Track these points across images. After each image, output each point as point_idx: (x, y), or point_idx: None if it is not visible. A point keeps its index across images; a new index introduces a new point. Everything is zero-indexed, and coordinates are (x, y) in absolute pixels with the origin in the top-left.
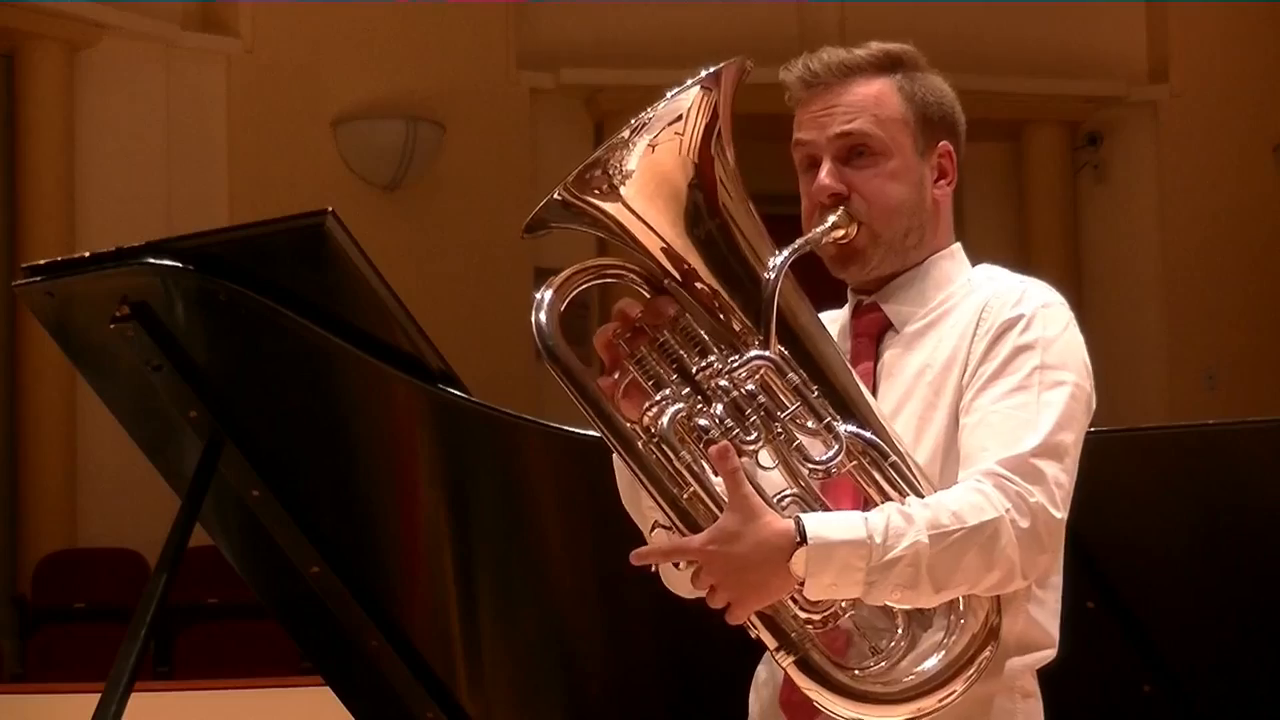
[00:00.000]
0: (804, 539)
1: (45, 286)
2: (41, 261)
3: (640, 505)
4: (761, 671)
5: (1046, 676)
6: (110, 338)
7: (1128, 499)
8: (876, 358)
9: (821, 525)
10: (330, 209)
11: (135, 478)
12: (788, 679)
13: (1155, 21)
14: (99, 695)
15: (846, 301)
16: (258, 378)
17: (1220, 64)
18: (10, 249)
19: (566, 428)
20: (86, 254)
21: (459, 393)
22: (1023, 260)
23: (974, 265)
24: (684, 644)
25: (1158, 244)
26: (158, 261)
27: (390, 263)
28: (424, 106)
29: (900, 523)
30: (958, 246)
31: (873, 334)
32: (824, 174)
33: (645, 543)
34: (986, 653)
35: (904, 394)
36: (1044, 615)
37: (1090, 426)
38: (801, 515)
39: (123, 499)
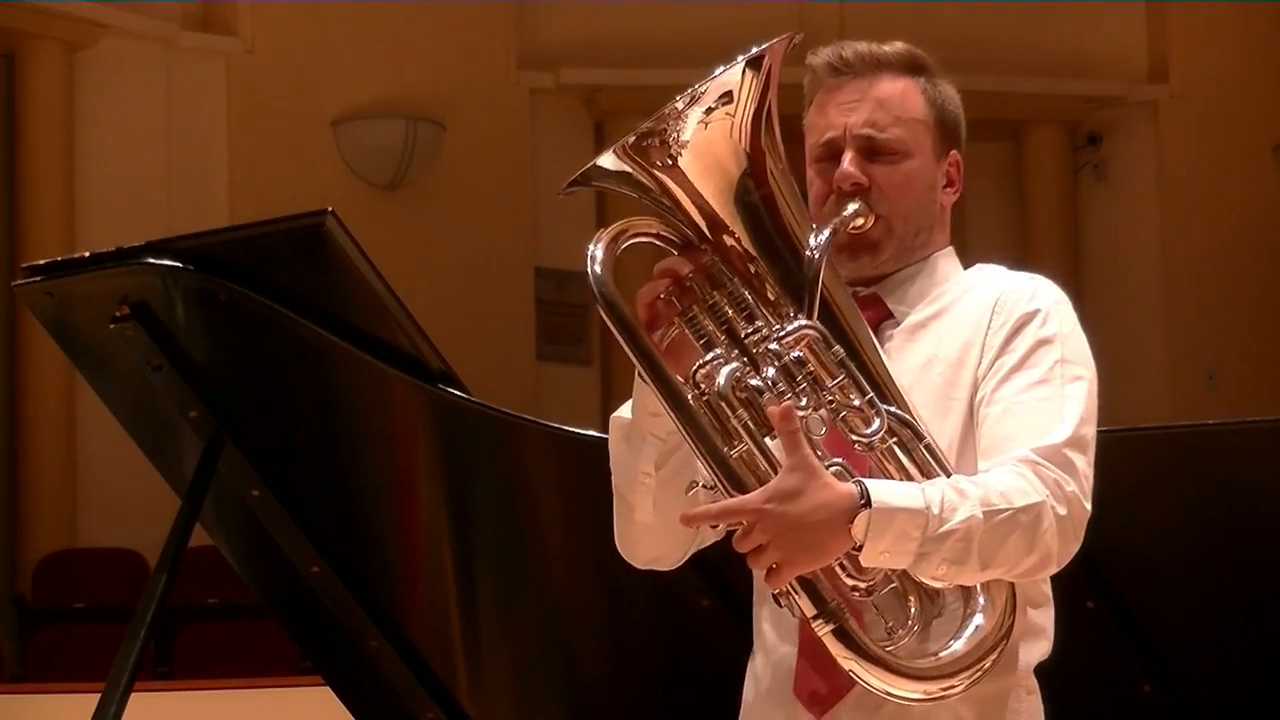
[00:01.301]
0: (869, 502)
1: (45, 286)
2: (41, 261)
3: (634, 466)
4: (758, 660)
5: (1047, 676)
6: (110, 338)
7: (1128, 499)
8: (880, 346)
9: (884, 490)
10: (330, 209)
11: (135, 478)
12: (802, 668)
13: (1155, 21)
14: (99, 695)
15: None
16: (258, 378)
17: (1220, 64)
18: (10, 249)
19: (566, 428)
20: (86, 254)
21: (459, 393)
22: (1023, 260)
23: (971, 265)
24: (684, 643)
25: (1158, 244)
26: (158, 261)
27: (390, 263)
28: (424, 106)
29: (954, 497)
30: (952, 249)
31: (873, 322)
32: (847, 162)
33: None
34: (1005, 643)
35: (913, 384)
36: (1043, 611)
37: None
38: (863, 480)
39: (123, 499)
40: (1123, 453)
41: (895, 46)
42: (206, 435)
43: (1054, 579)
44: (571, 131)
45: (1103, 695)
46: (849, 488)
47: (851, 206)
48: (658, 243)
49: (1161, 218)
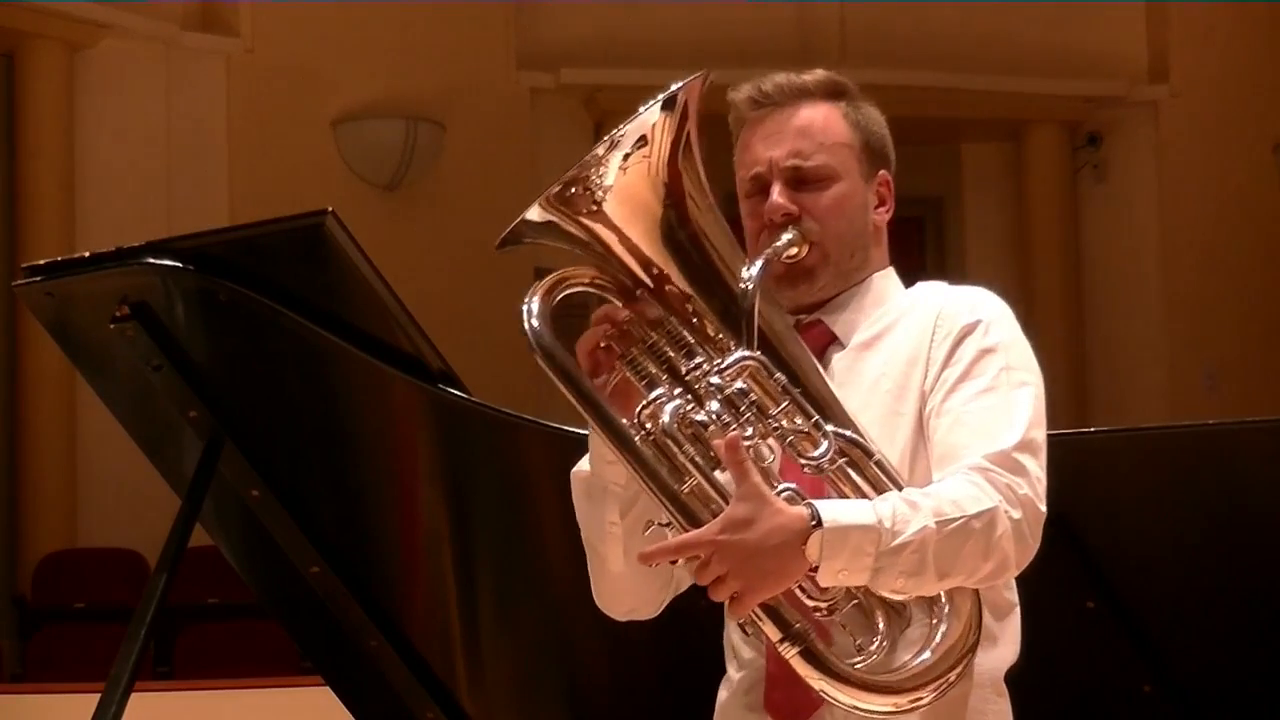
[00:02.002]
0: (819, 523)
1: (45, 286)
2: (41, 261)
3: (601, 518)
4: (730, 669)
5: (1047, 676)
6: (110, 338)
7: (1128, 499)
8: (824, 370)
9: (834, 510)
10: (330, 209)
11: (135, 478)
12: (771, 680)
13: (1155, 21)
14: (99, 695)
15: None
16: (258, 378)
17: (1220, 64)
18: (10, 249)
19: (566, 428)
20: (86, 254)
21: (459, 393)
22: (1023, 260)
23: (979, 267)
24: (684, 643)
25: (1158, 244)
26: (158, 261)
27: (390, 263)
28: (424, 106)
29: (906, 510)
30: (892, 269)
31: (818, 348)
32: (776, 194)
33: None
34: (972, 653)
35: (862, 403)
36: (1007, 620)
37: (1090, 427)
38: (813, 501)
39: (123, 499)
40: (1123, 453)
41: (814, 74)
42: (206, 435)
43: (1054, 579)
44: (571, 131)
45: (1103, 695)
46: (800, 510)
47: (785, 236)
48: (594, 290)
49: (1161, 218)
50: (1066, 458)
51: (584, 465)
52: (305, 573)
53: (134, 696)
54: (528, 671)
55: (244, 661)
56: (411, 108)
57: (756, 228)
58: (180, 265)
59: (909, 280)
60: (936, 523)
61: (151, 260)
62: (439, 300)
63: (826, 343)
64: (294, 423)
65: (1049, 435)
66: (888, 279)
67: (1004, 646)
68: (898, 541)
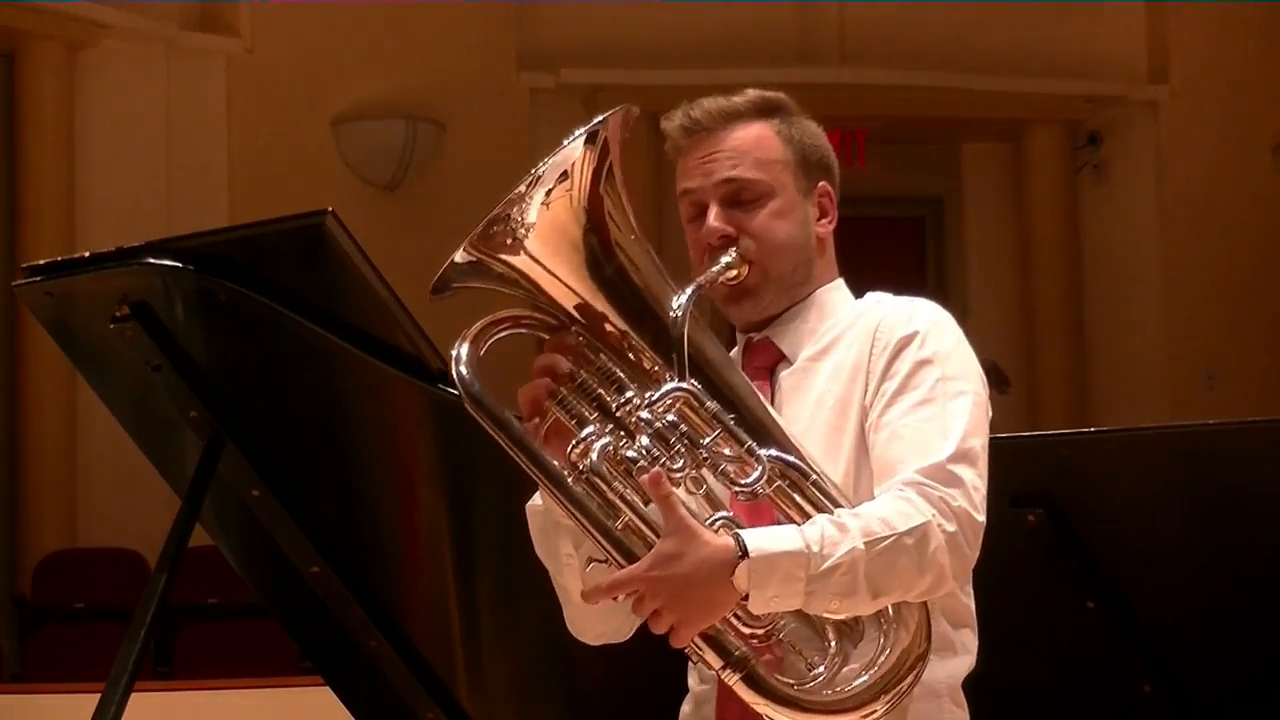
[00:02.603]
0: (745, 553)
1: (45, 286)
2: (41, 261)
3: (557, 551)
4: (692, 680)
5: (1047, 676)
6: (110, 338)
7: (1128, 499)
8: (773, 389)
9: (760, 538)
10: (330, 209)
11: (135, 478)
12: (722, 694)
13: (1155, 21)
14: (99, 695)
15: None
16: (258, 378)
17: (1220, 64)
18: (10, 249)
19: None
20: (86, 254)
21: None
22: (1023, 260)
23: (979, 267)
24: None
25: (1158, 244)
26: (158, 261)
27: (390, 263)
28: (424, 106)
29: (834, 532)
30: (841, 281)
31: (767, 366)
32: (712, 217)
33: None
34: (923, 663)
35: (808, 420)
36: (961, 625)
37: (1090, 427)
38: (739, 531)
39: (123, 499)
40: (1123, 453)
41: (745, 94)
42: (206, 435)
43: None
44: (571, 132)
45: (1103, 695)
46: (726, 541)
47: (724, 259)
48: (524, 330)
49: (1161, 218)
50: (1066, 458)
51: (537, 499)
52: (305, 573)
53: (134, 696)
54: (528, 671)
55: (244, 661)
56: (411, 108)
57: (699, 252)
58: (180, 265)
59: (908, 283)
60: (866, 543)
61: (151, 260)
62: (439, 300)
63: (775, 360)
64: (294, 423)
65: (1048, 435)
66: (835, 291)
67: (963, 655)
68: (827, 565)
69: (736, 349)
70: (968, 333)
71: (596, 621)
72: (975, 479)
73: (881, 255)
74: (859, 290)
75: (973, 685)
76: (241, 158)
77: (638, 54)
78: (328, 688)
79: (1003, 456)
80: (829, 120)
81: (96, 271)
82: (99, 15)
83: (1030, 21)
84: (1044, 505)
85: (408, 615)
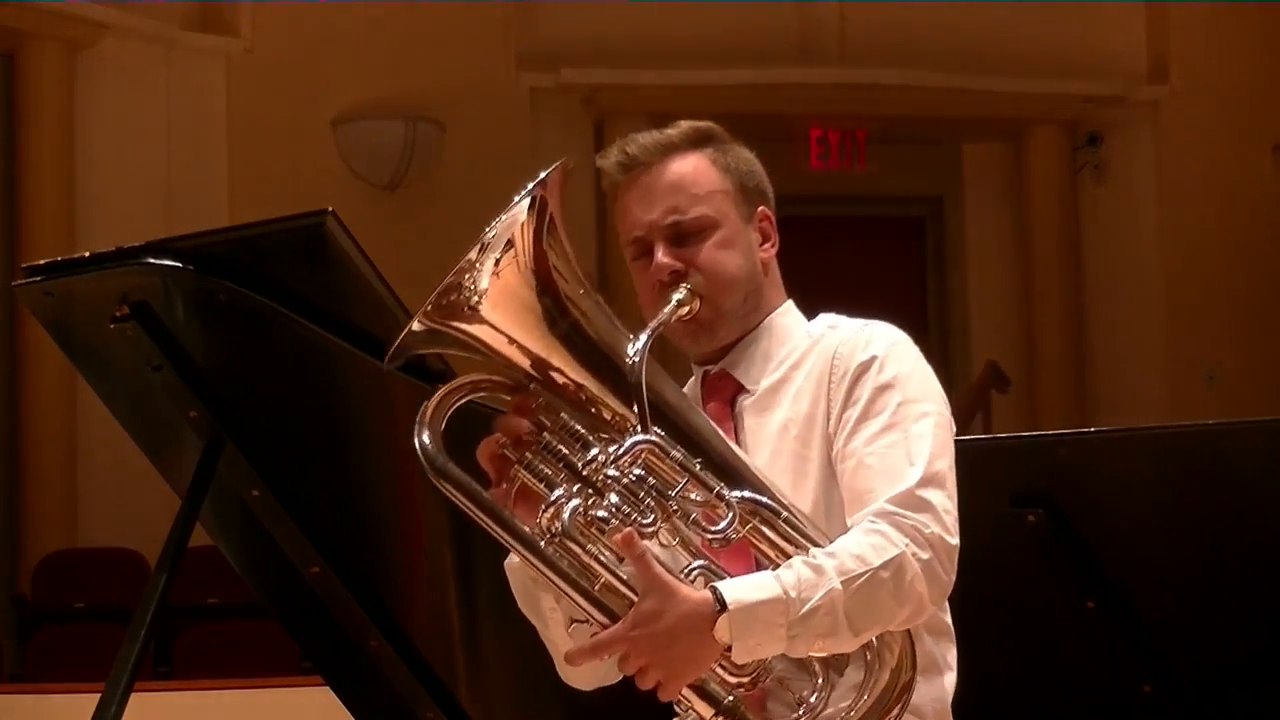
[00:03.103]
0: (724, 606)
1: (45, 286)
2: (41, 261)
3: (541, 609)
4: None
5: (1047, 676)
6: (110, 338)
7: (1128, 499)
8: (735, 421)
9: (738, 589)
10: (330, 209)
11: (135, 478)
12: None
13: (1155, 21)
14: (99, 695)
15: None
16: (258, 377)
17: (1220, 64)
18: (10, 249)
19: None
20: (86, 254)
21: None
22: (1023, 260)
23: (979, 267)
24: None
25: (1158, 244)
26: (158, 261)
27: (390, 263)
28: (424, 106)
29: (810, 574)
30: (790, 303)
31: (726, 399)
32: (660, 254)
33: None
34: (908, 694)
35: (773, 452)
36: (943, 643)
37: (1090, 427)
38: (716, 584)
39: (123, 499)
40: (1123, 453)
41: (678, 126)
42: (206, 435)
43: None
44: (571, 131)
45: (1103, 695)
46: (704, 595)
47: (675, 297)
48: (485, 394)
49: (1161, 218)
50: (1066, 458)
51: (515, 557)
52: (305, 573)
53: (134, 696)
54: (527, 671)
55: (244, 661)
56: (411, 108)
57: (647, 289)
58: (180, 265)
59: (908, 283)
60: (843, 582)
61: (151, 260)
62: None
63: (734, 391)
64: (294, 422)
65: (1048, 435)
66: (787, 315)
67: (946, 673)
68: (807, 609)
69: (693, 380)
70: (968, 332)
71: (584, 672)
72: (945, 501)
73: (881, 255)
74: (858, 291)
75: (973, 685)
76: (241, 158)
77: (638, 54)
78: (328, 688)
79: (1003, 456)
80: (829, 120)
81: (96, 271)
82: (99, 15)
83: (1030, 21)
84: (1044, 505)
85: (408, 615)
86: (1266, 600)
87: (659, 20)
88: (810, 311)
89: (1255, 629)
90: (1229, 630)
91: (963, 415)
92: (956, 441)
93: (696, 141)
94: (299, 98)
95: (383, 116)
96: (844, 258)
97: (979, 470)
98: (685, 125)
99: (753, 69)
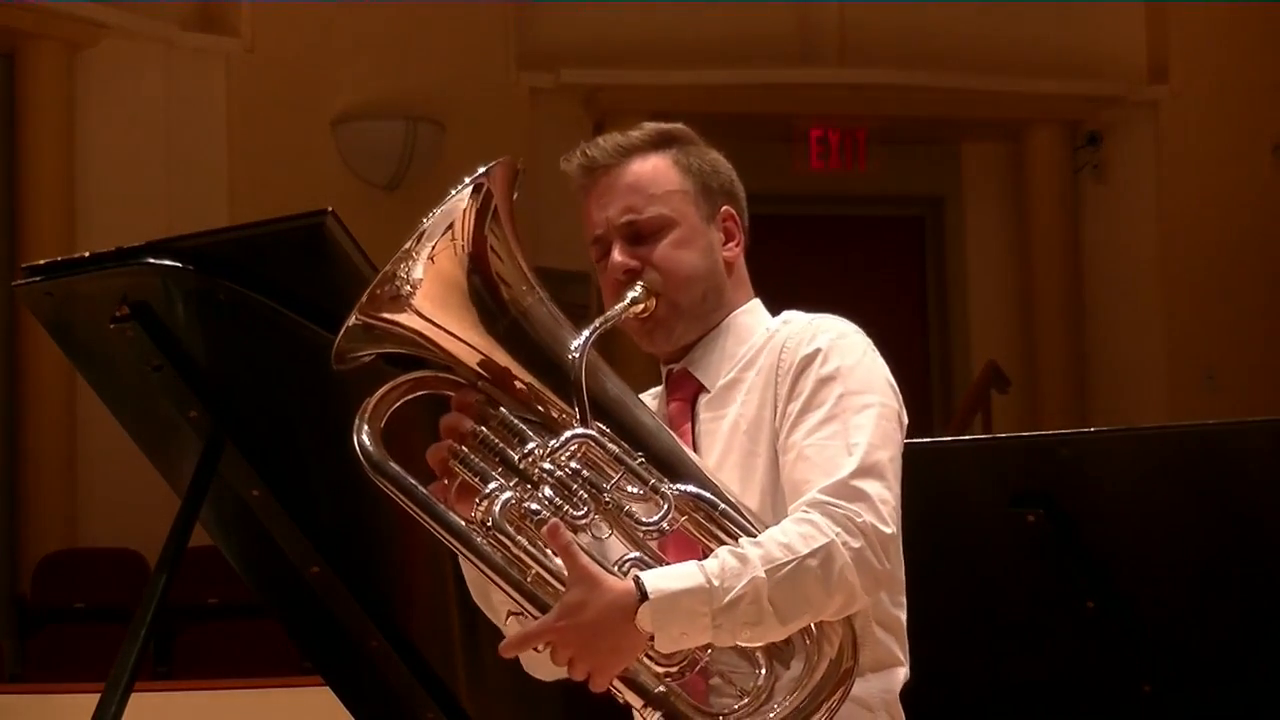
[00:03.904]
0: (645, 595)
1: (45, 286)
2: (41, 261)
3: (491, 600)
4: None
5: (1047, 676)
6: (110, 338)
7: (1128, 499)
8: (694, 419)
9: (660, 579)
10: (330, 209)
11: (135, 478)
12: None
13: (1155, 21)
14: (99, 695)
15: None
16: (258, 377)
17: (1220, 64)
18: (10, 249)
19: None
20: (86, 254)
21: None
22: (1023, 260)
23: (979, 267)
24: None
25: (1158, 244)
26: (158, 261)
27: None
28: (424, 106)
29: (734, 563)
30: (756, 302)
31: (688, 397)
32: (616, 253)
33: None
34: (850, 680)
35: (725, 448)
36: (893, 636)
37: (1090, 427)
38: (640, 573)
39: (123, 499)
40: (1123, 453)
41: (641, 129)
42: (206, 435)
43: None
44: (571, 131)
45: (1103, 695)
46: (626, 585)
47: (630, 295)
48: (426, 392)
49: (1161, 218)
50: (1066, 458)
51: None
52: (305, 573)
53: (134, 696)
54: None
55: (244, 661)
56: (411, 108)
57: (608, 289)
58: (180, 265)
59: (908, 283)
60: (767, 570)
61: (151, 260)
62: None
63: (695, 390)
64: (294, 422)
65: (1048, 435)
66: (749, 314)
67: (896, 667)
68: (730, 597)
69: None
70: (969, 333)
71: (544, 663)
72: (882, 491)
73: (881, 255)
74: (859, 291)
75: (973, 684)
76: (241, 158)
77: (638, 54)
78: (328, 688)
79: (1003, 456)
80: (829, 120)
81: (96, 271)
82: (99, 15)
83: (1030, 21)
84: (1044, 505)
85: (408, 615)
86: (1267, 600)
87: (659, 20)
88: (809, 312)
89: (1255, 629)
90: (1229, 630)
91: (963, 415)
92: (957, 441)
93: (658, 143)
94: (299, 98)
95: (383, 116)
96: (844, 258)
97: (979, 470)
98: (649, 127)
99: (753, 69)
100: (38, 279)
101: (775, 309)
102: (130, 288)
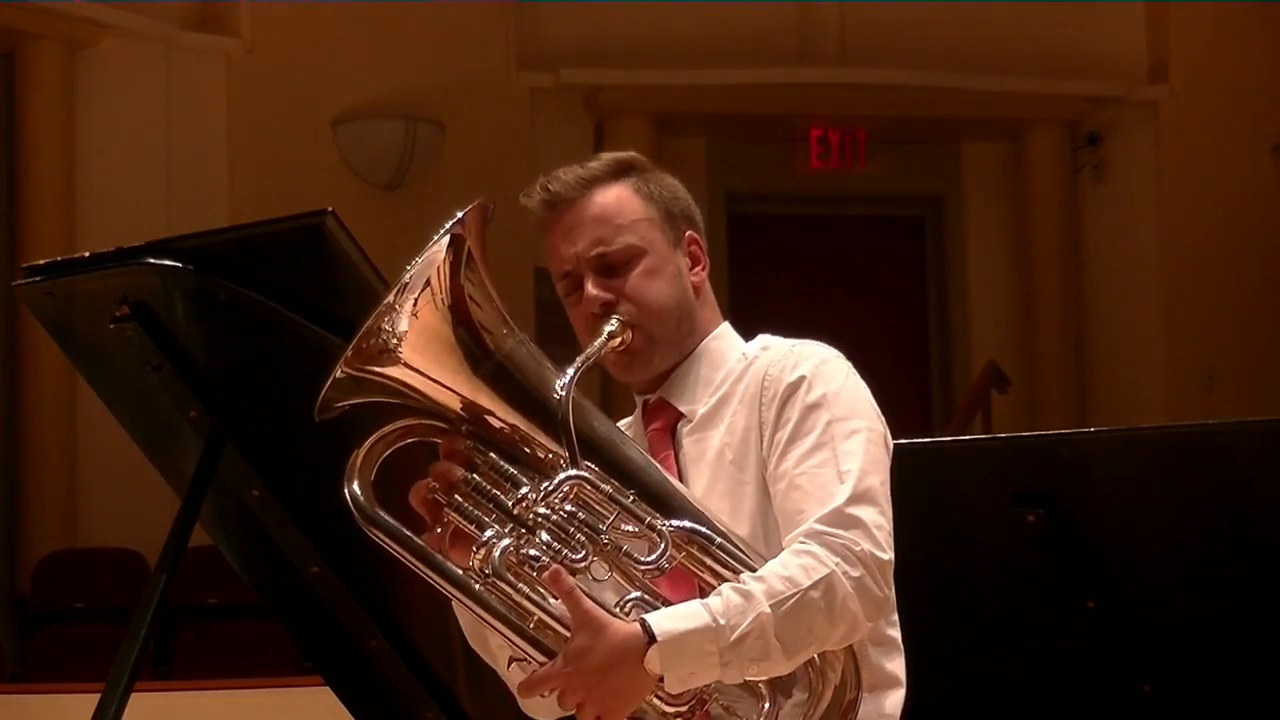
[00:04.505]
0: (653, 638)
1: (45, 286)
2: (41, 261)
3: (489, 645)
4: None
5: (1047, 676)
6: (110, 338)
7: (1128, 499)
8: (676, 449)
9: (666, 620)
10: (330, 209)
11: (135, 478)
12: None
13: (1155, 21)
14: (99, 695)
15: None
16: (258, 377)
17: (1220, 64)
18: (10, 249)
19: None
20: (86, 254)
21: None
22: (1023, 260)
23: (979, 268)
24: None
25: (1158, 244)
26: (157, 261)
27: (390, 263)
28: (424, 106)
29: (738, 600)
30: (726, 326)
31: (666, 427)
32: (590, 287)
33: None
34: (853, 712)
35: (711, 477)
36: (889, 657)
37: (1090, 427)
38: (645, 616)
39: (123, 499)
40: (1123, 453)
41: (599, 159)
42: (206, 435)
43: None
44: (571, 131)
45: (1103, 695)
46: (633, 628)
47: (606, 329)
48: (415, 439)
49: (1161, 218)
50: (1067, 458)
51: None
52: (305, 573)
53: (134, 696)
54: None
55: (244, 661)
56: (411, 108)
57: (581, 323)
58: (180, 265)
59: (908, 283)
60: (771, 605)
61: (151, 260)
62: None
63: (674, 419)
64: (294, 423)
65: (1048, 435)
66: (721, 340)
67: (895, 688)
68: (737, 635)
69: (636, 411)
70: (969, 333)
71: (544, 706)
72: (876, 517)
73: (881, 255)
74: (859, 291)
75: (973, 684)
76: (241, 158)
77: (638, 54)
78: (328, 688)
79: (1003, 456)
80: (829, 120)
81: (96, 271)
82: (99, 15)
83: (1030, 21)
84: (1044, 505)
85: (408, 615)
86: (1266, 600)
87: (659, 20)
88: (809, 312)
89: (1255, 628)
90: (1229, 630)
91: (963, 415)
92: (957, 441)
93: (618, 172)
94: (299, 98)
95: (383, 116)
96: (844, 258)
97: (979, 470)
98: (606, 157)
99: (753, 69)
100: (38, 279)
101: (775, 308)
102: (130, 288)
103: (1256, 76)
